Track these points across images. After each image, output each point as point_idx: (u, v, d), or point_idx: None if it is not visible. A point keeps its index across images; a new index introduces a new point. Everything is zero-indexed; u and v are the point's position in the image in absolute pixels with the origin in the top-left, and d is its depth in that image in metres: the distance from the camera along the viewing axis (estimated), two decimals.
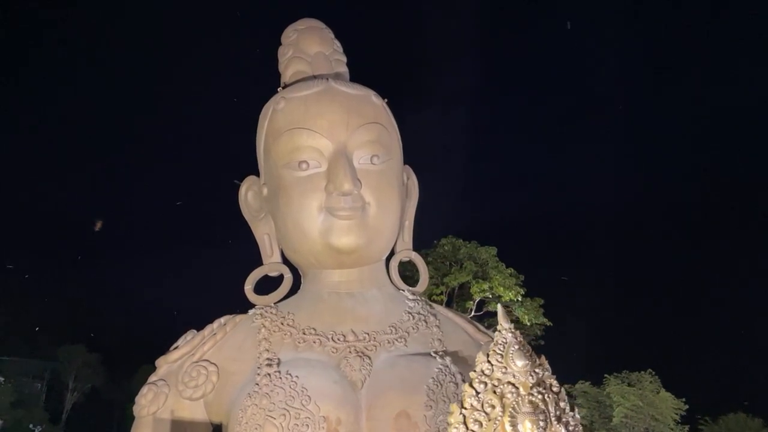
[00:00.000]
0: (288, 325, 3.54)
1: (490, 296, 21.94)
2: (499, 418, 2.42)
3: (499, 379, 2.52)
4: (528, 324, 23.07)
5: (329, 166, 3.51)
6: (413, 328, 3.58)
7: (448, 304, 22.86)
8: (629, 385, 22.77)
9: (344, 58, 4.30)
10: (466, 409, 2.47)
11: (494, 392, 2.48)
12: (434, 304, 3.96)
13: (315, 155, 3.54)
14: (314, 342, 3.41)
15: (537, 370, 2.56)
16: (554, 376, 2.62)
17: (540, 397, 2.49)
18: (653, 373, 23.40)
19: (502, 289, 21.37)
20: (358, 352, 3.34)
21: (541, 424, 2.41)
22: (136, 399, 3.50)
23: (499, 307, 2.78)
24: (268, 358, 3.31)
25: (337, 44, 4.31)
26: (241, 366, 3.40)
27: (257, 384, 3.17)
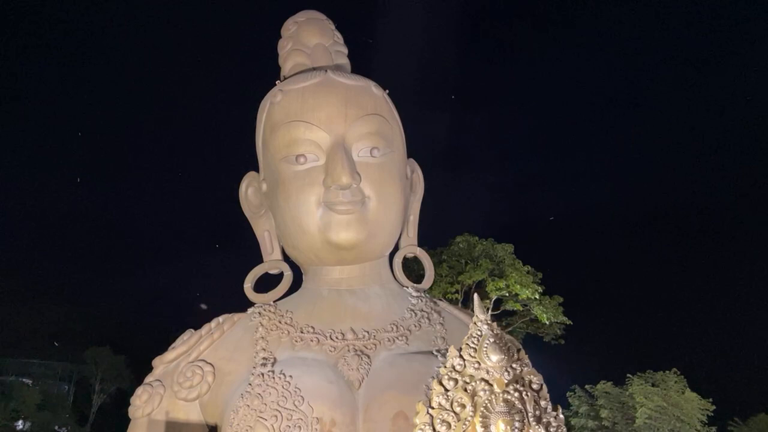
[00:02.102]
0: (286, 323, 3.44)
1: (507, 294, 21.54)
2: (470, 418, 2.21)
3: (471, 376, 2.31)
4: (547, 323, 22.61)
5: (327, 159, 3.41)
6: (415, 326, 3.45)
7: (464, 303, 22.57)
8: (653, 385, 22.14)
9: (345, 50, 4.20)
10: (433, 408, 2.25)
11: (465, 390, 2.27)
12: (439, 301, 3.82)
13: (313, 148, 3.45)
14: (312, 340, 3.30)
15: (514, 366, 2.34)
16: (535, 372, 2.39)
17: (517, 395, 2.27)
18: (678, 372, 22.79)
19: (518, 287, 20.95)
20: (356, 350, 3.22)
21: (517, 424, 2.19)
22: (131, 400, 3.42)
23: (475, 297, 2.56)
24: (263, 358, 3.22)
25: (338, 36, 4.20)
26: (236, 366, 3.30)
27: (250, 384, 3.07)
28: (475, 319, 2.45)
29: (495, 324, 2.44)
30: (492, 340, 2.35)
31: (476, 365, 2.31)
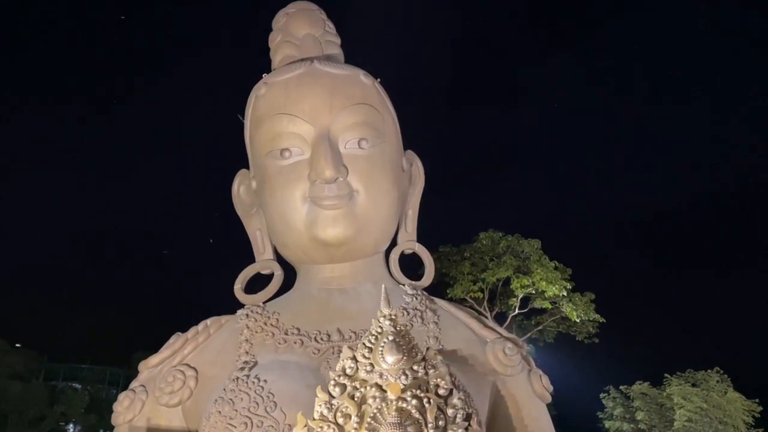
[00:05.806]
0: (271, 325, 3.28)
1: (534, 292, 20.77)
2: (354, 431, 1.86)
3: (363, 381, 1.97)
4: (577, 320, 21.72)
5: (311, 152, 3.23)
6: (407, 326, 3.12)
7: (491, 301, 21.97)
8: (693, 385, 21.05)
9: (338, 40, 4.01)
10: (314, 419, 1.93)
11: (352, 397, 1.93)
12: (437, 299, 3.58)
13: (297, 142, 3.29)
14: (295, 343, 3.11)
15: (416, 368, 1.99)
16: (446, 376, 2.03)
17: (415, 402, 1.92)
18: (721, 371, 21.62)
19: (544, 283, 20.09)
20: (341, 352, 2.92)
21: None
22: (114, 406, 3.29)
23: (382, 289, 2.21)
24: (244, 361, 3.04)
25: (330, 25, 4.02)
26: (219, 370, 3.12)
27: (224, 389, 2.89)
28: (378, 314, 2.12)
29: (401, 320, 2.09)
30: (391, 338, 2.02)
31: (369, 368, 1.97)
